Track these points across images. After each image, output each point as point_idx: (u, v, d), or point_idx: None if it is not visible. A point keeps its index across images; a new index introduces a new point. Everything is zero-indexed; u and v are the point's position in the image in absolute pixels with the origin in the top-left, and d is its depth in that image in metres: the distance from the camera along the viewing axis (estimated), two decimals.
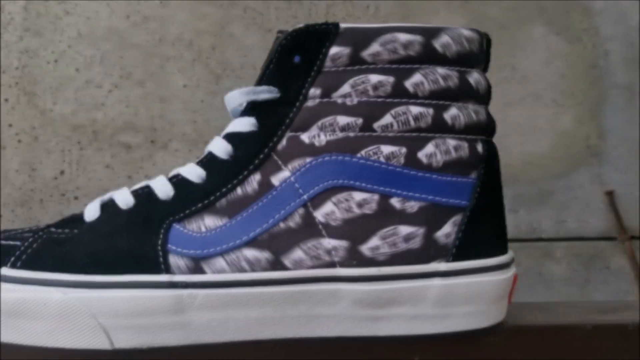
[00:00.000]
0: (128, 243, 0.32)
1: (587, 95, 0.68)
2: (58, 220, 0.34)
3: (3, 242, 0.32)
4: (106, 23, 0.64)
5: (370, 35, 0.34)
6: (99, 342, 0.30)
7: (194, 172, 0.33)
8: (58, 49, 0.64)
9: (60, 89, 0.64)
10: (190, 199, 0.33)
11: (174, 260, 0.32)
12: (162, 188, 0.33)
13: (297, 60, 0.33)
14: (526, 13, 0.68)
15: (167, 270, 0.31)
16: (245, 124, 0.33)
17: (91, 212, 0.33)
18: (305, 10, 0.66)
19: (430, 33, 0.35)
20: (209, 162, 0.34)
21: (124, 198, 0.33)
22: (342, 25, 0.34)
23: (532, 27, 0.68)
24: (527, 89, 0.68)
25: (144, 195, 0.33)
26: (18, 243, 0.32)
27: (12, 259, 0.31)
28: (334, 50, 0.33)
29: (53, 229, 0.33)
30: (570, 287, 0.68)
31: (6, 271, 0.31)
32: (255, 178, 0.33)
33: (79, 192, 0.64)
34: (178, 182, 0.33)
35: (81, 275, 0.31)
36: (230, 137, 0.34)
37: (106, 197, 0.34)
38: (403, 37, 0.34)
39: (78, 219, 0.33)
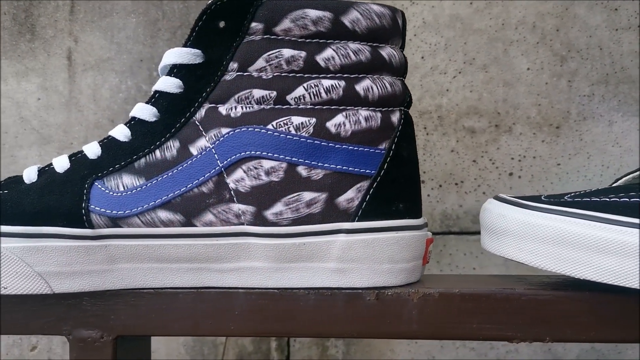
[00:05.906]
0: (56, 201, 0.36)
1: None
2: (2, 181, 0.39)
3: None
4: (450, 11, 0.65)
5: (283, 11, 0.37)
6: (38, 287, 0.35)
7: (121, 132, 0.39)
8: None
9: (407, 76, 0.66)
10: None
11: (95, 217, 0.36)
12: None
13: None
14: None
15: (90, 224, 0.36)
16: None
17: (30, 175, 0.38)
18: None
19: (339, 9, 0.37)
20: None
21: (60, 163, 0.38)
22: None
23: None
24: None
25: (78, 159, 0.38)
26: None
27: None
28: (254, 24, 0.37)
29: None
30: None
31: None
32: None
33: (425, 177, 0.65)
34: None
35: (13, 227, 0.35)
36: None
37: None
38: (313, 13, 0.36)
39: (18, 180, 0.38)
